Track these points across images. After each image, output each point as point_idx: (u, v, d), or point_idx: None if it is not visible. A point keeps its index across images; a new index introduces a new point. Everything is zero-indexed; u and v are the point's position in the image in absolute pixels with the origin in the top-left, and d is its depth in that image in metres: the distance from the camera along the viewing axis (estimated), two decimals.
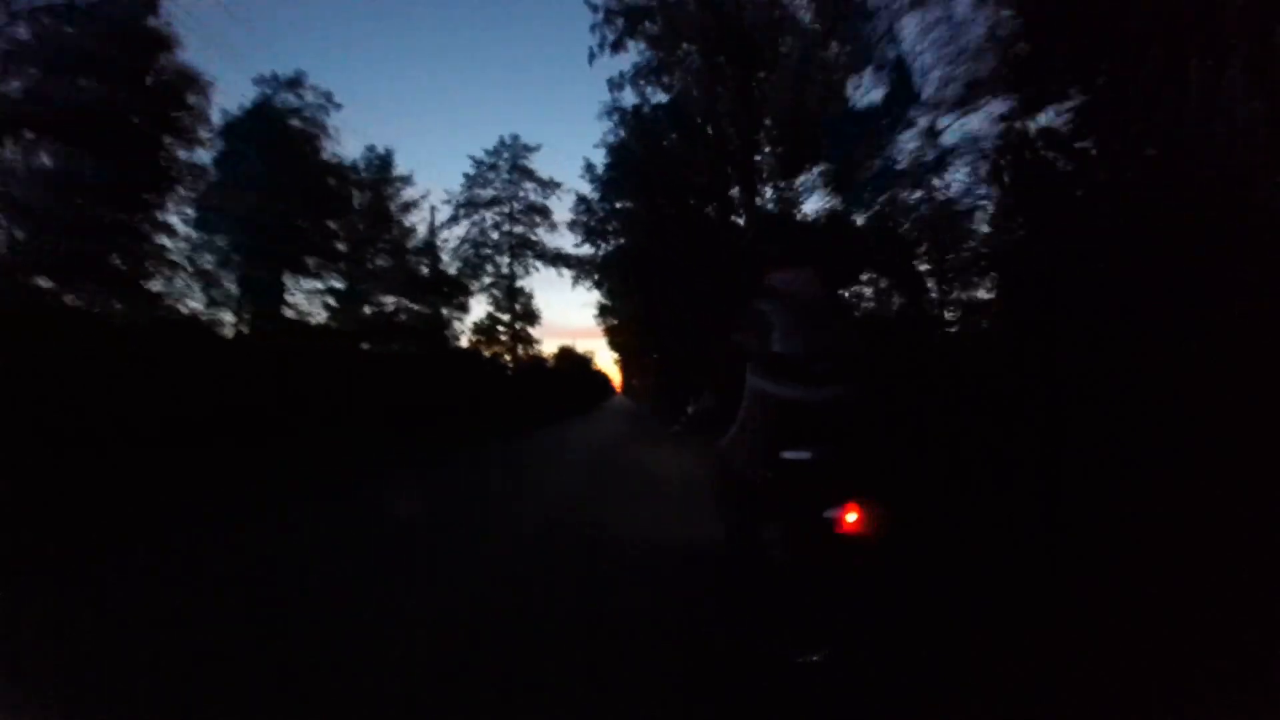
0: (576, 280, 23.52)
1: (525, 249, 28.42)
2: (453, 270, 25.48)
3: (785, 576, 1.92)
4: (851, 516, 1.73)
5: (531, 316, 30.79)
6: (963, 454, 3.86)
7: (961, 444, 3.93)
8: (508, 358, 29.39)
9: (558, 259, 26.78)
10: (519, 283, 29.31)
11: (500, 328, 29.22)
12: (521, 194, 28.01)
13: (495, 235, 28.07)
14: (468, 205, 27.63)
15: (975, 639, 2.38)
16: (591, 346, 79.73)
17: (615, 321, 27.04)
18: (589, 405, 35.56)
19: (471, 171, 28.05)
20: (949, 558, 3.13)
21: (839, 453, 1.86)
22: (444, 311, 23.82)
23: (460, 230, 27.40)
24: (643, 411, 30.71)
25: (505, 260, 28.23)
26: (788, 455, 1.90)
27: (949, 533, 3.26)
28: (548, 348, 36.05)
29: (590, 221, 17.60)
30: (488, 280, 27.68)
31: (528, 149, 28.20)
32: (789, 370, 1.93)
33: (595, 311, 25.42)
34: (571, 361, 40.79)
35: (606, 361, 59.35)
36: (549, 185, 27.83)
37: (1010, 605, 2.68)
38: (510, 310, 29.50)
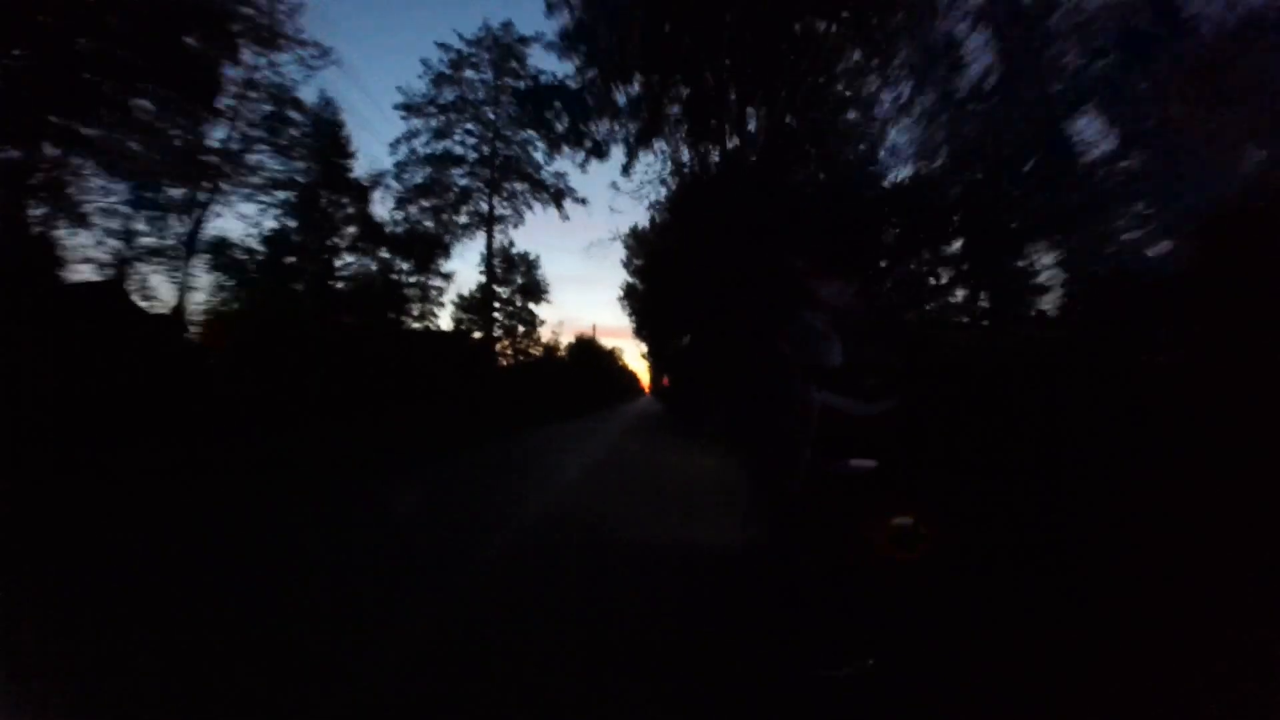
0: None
1: (511, 175, 19.52)
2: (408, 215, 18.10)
3: (825, 587, 1.94)
4: (905, 526, 1.76)
5: (536, 291, 24.18)
6: (1009, 468, 3.80)
7: (1009, 458, 3.86)
8: (504, 345, 23.58)
9: (559, 194, 19.25)
10: (511, 235, 21.90)
11: (497, 306, 22.31)
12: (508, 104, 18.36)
13: (470, 156, 19.13)
14: (430, 110, 18.41)
15: (1011, 657, 2.32)
16: (622, 345, 77.92)
17: (639, 306, 22.74)
18: (606, 407, 29.81)
19: (442, 65, 18.39)
20: (992, 571, 3.07)
21: (895, 464, 1.88)
22: (401, 272, 17.32)
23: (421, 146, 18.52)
24: (667, 418, 20.71)
25: (483, 191, 19.38)
26: (853, 464, 1.91)
27: (993, 547, 3.19)
28: (566, 340, 30.92)
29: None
30: (463, 220, 19.21)
31: (524, 41, 18.17)
32: (842, 383, 1.95)
33: (620, 293, 21.51)
34: (591, 354, 33.94)
35: (635, 361, 57.15)
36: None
37: (1052, 623, 2.62)
38: (507, 282, 22.88)
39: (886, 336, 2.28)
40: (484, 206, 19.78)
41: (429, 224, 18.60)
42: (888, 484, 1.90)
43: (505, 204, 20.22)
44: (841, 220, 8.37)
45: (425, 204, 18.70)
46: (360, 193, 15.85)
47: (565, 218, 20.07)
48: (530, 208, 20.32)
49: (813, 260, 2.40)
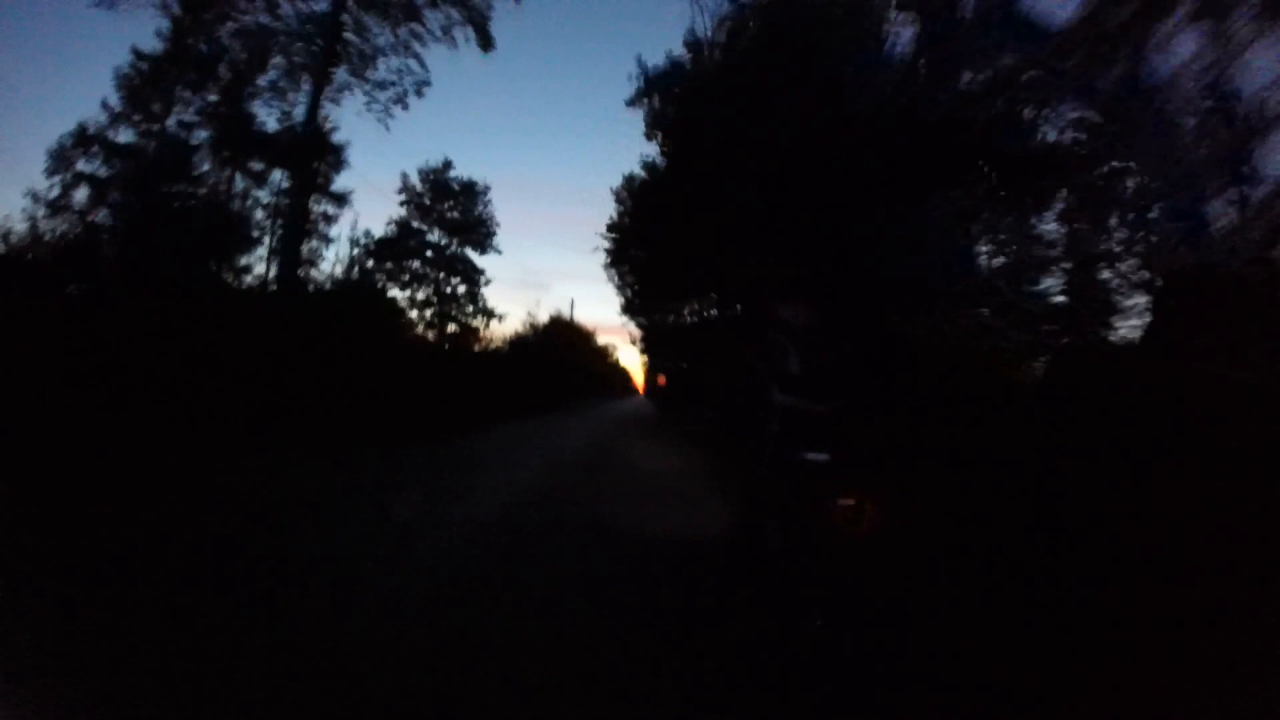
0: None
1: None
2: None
3: (790, 558, 2.31)
4: (852, 506, 2.13)
5: (478, 233, 18.68)
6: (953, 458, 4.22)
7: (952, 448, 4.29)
8: (420, 315, 17.76)
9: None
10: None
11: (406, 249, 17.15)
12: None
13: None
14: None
15: (955, 618, 2.73)
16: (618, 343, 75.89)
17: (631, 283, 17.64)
18: (581, 406, 24.37)
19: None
20: (937, 547, 3.49)
21: (844, 454, 2.26)
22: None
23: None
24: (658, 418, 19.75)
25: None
26: (809, 456, 2.28)
27: (938, 525, 3.60)
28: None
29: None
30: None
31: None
32: (799, 387, 2.32)
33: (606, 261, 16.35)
34: (568, 341, 28.14)
35: (636, 361, 55.34)
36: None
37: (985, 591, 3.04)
38: (430, 215, 17.95)
39: (842, 345, 2.63)
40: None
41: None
42: (838, 471, 2.27)
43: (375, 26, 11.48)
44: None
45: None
46: None
47: (488, 48, 12.56)
48: (423, 39, 11.65)
49: (780, 283, 2.78)
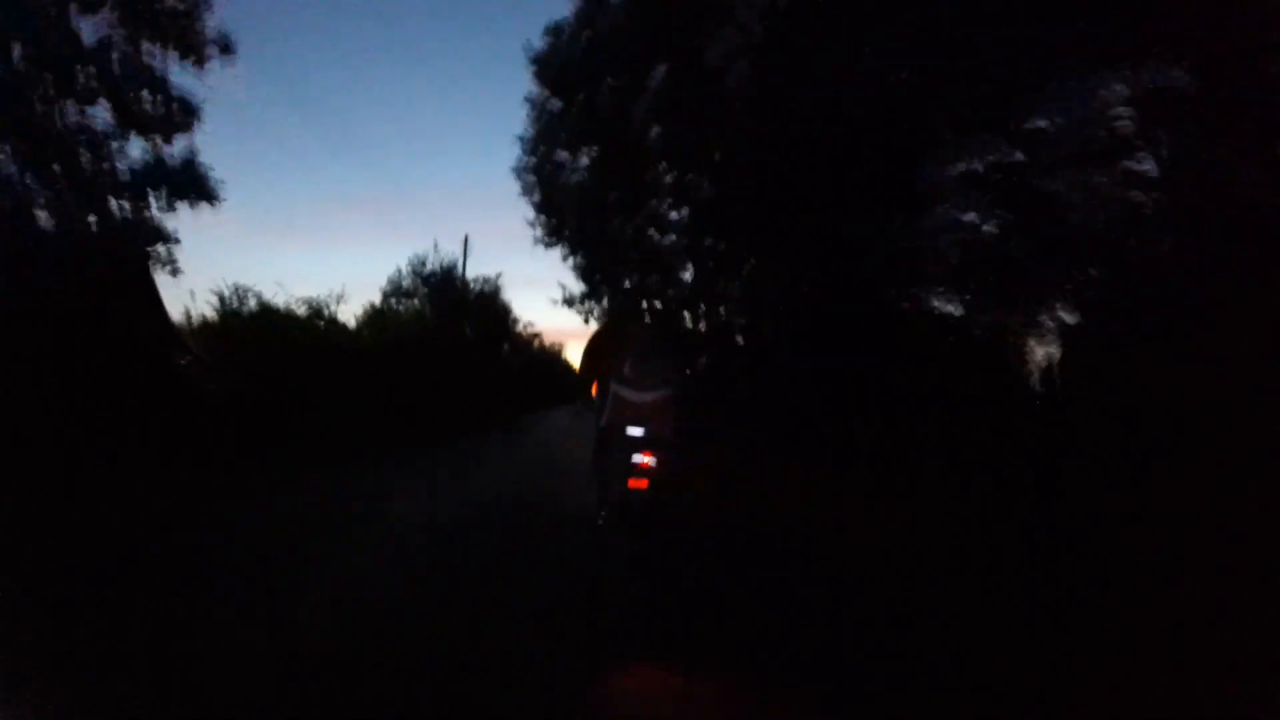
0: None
1: None
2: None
3: (612, 498, 3.58)
4: (649, 460, 3.40)
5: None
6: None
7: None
8: None
9: None
10: None
11: None
12: None
13: None
14: None
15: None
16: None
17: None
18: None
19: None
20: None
21: (650, 429, 3.54)
22: None
23: None
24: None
25: None
26: (630, 431, 3.53)
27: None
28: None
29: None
30: None
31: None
32: (630, 382, 3.57)
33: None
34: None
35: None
36: None
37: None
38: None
39: (668, 355, 3.97)
40: None
41: None
42: (644, 439, 3.55)
43: None
44: None
45: None
46: None
47: None
48: None
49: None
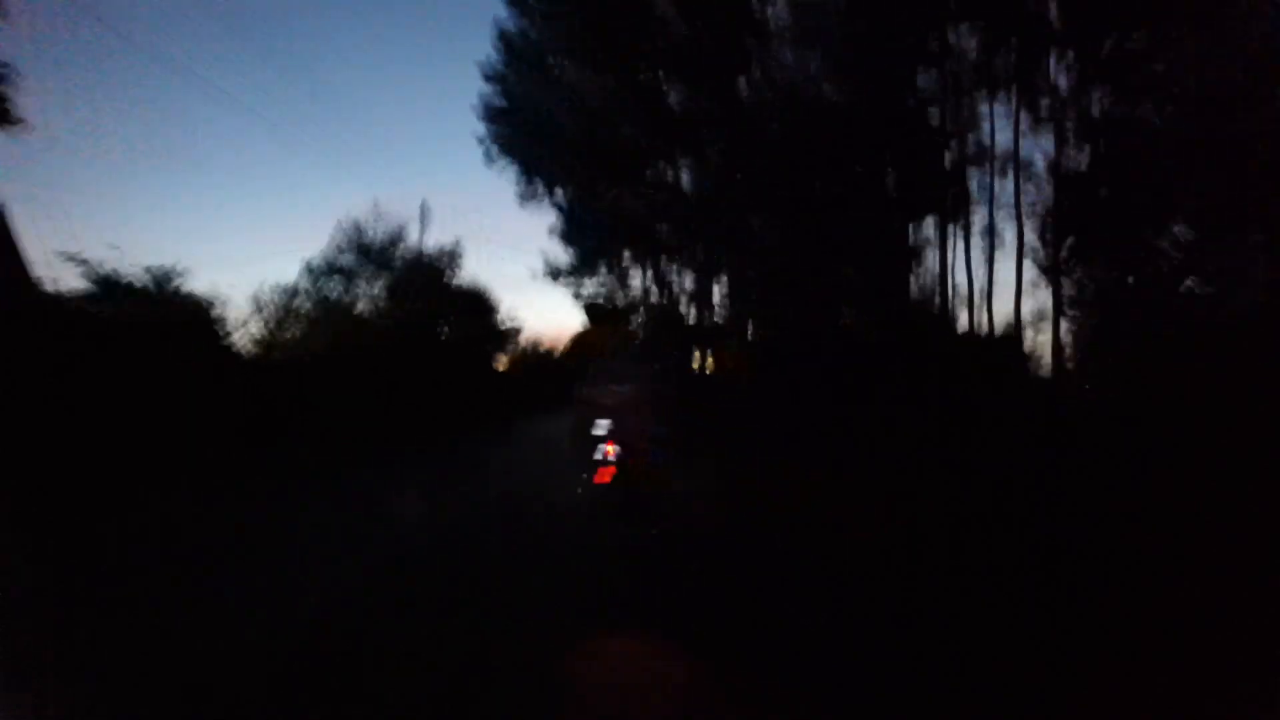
0: None
1: None
2: None
3: (585, 483, 4.00)
4: (611, 452, 3.52)
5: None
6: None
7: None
8: None
9: None
10: None
11: None
12: None
13: None
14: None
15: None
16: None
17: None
18: None
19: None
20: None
21: (612, 425, 3.84)
22: None
23: None
24: None
25: None
26: (599, 422, 3.67)
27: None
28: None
29: None
30: None
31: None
32: (596, 379, 3.71)
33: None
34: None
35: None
36: None
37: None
38: None
39: (638, 365, 4.14)
40: None
41: None
42: (611, 434, 3.66)
43: None
44: None
45: None
46: None
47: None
48: None
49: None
